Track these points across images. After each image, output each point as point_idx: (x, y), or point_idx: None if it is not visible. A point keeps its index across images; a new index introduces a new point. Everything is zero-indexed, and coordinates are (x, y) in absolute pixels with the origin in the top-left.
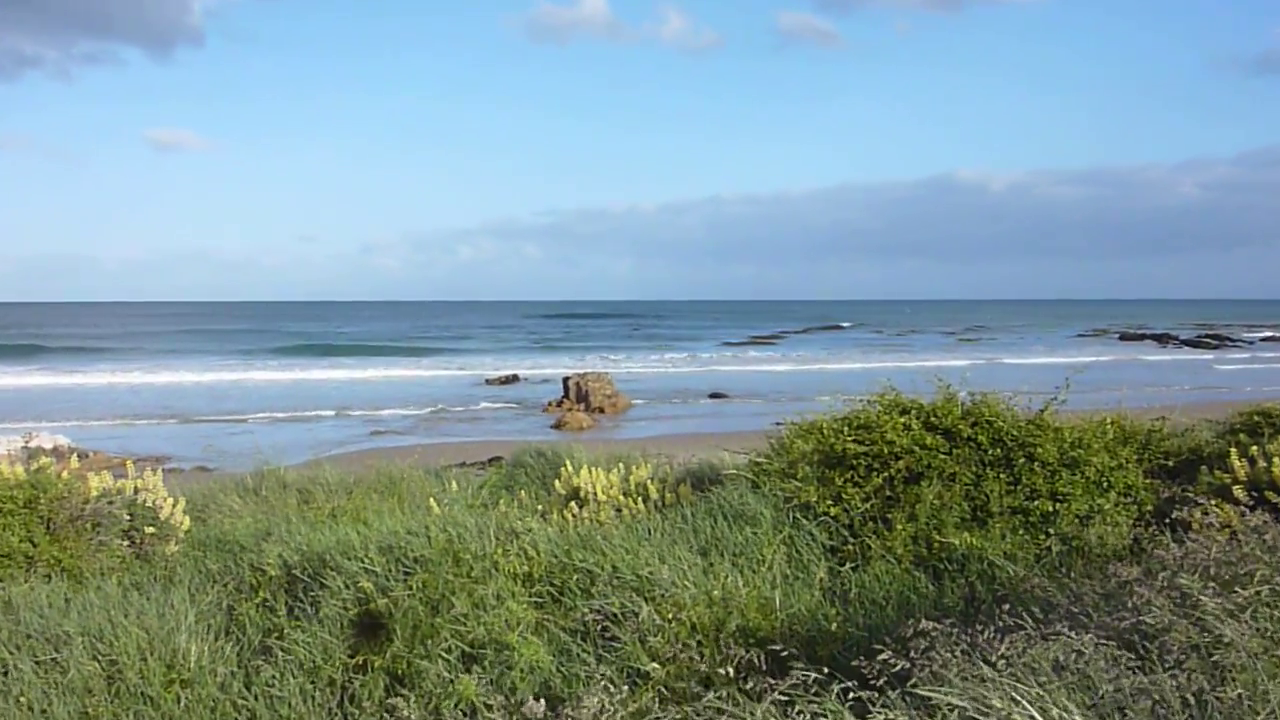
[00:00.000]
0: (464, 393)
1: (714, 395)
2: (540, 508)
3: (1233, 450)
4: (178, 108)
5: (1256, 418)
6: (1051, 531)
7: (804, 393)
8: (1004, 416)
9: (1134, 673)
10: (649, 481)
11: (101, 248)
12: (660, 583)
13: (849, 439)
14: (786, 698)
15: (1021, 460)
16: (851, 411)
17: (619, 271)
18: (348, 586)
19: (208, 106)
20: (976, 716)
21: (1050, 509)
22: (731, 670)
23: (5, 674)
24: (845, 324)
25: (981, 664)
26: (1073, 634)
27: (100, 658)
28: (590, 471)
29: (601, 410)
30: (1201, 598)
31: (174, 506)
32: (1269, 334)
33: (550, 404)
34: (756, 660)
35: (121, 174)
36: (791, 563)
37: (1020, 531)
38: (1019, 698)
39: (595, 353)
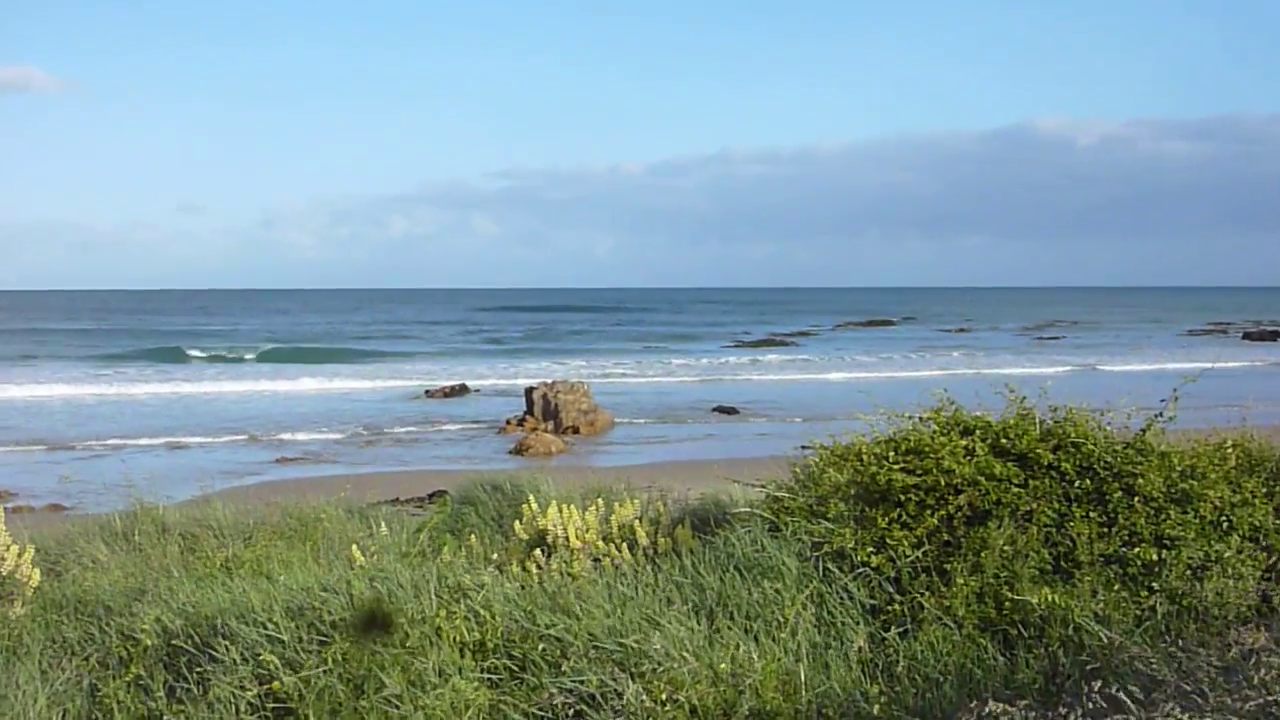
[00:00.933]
0: (397, 408)
1: (720, 410)
2: (496, 557)
3: None
4: (18, 35)
5: None
6: (1156, 587)
7: (837, 408)
8: (1095, 438)
9: None
10: (637, 523)
11: None
12: (651, 654)
13: (896, 467)
14: None
15: (1118, 494)
16: (899, 432)
17: (599, 251)
18: (245, 660)
19: (60, 37)
20: None
21: (1154, 557)
22: None
23: None
24: (891, 319)
25: None
26: (1184, 718)
27: None
28: (561, 510)
29: (575, 430)
30: None
31: (19, 556)
32: None
33: (509, 422)
34: None
35: None
36: (821, 627)
37: (1116, 586)
38: None
39: (568, 356)
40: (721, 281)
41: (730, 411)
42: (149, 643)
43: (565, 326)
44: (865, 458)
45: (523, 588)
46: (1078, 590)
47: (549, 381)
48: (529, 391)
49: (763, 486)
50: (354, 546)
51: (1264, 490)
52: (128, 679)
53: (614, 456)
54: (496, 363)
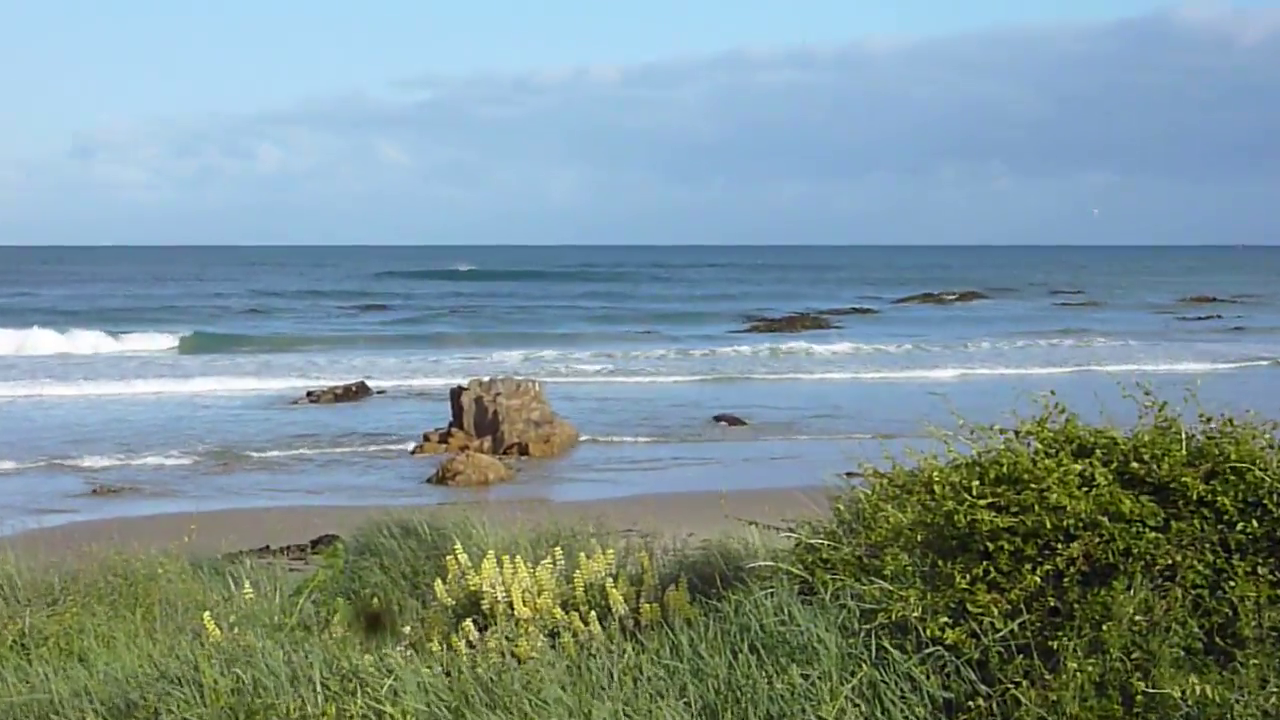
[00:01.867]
0: (266, 418)
1: (722, 419)
2: (409, 631)
3: None
4: None
5: None
6: None
7: (895, 418)
8: (1265, 461)
9: None
10: (610, 582)
11: None
12: None
13: (982, 503)
14: None
15: None
16: (986, 453)
17: (555, 193)
18: None
19: None
20: None
21: None
22: None
23: None
24: (976, 290)
25: None
26: None
27: None
28: (502, 564)
29: (523, 450)
30: None
31: None
32: None
33: (427, 438)
34: None
35: None
36: None
37: None
38: None
39: (512, 344)
40: (731, 237)
41: (736, 422)
42: None
43: (508, 301)
44: (938, 489)
45: (447, 674)
46: (1240, 679)
47: (485, 380)
48: (456, 394)
49: (791, 531)
50: (205, 615)
51: None
52: None
53: (578, 487)
54: (409, 353)
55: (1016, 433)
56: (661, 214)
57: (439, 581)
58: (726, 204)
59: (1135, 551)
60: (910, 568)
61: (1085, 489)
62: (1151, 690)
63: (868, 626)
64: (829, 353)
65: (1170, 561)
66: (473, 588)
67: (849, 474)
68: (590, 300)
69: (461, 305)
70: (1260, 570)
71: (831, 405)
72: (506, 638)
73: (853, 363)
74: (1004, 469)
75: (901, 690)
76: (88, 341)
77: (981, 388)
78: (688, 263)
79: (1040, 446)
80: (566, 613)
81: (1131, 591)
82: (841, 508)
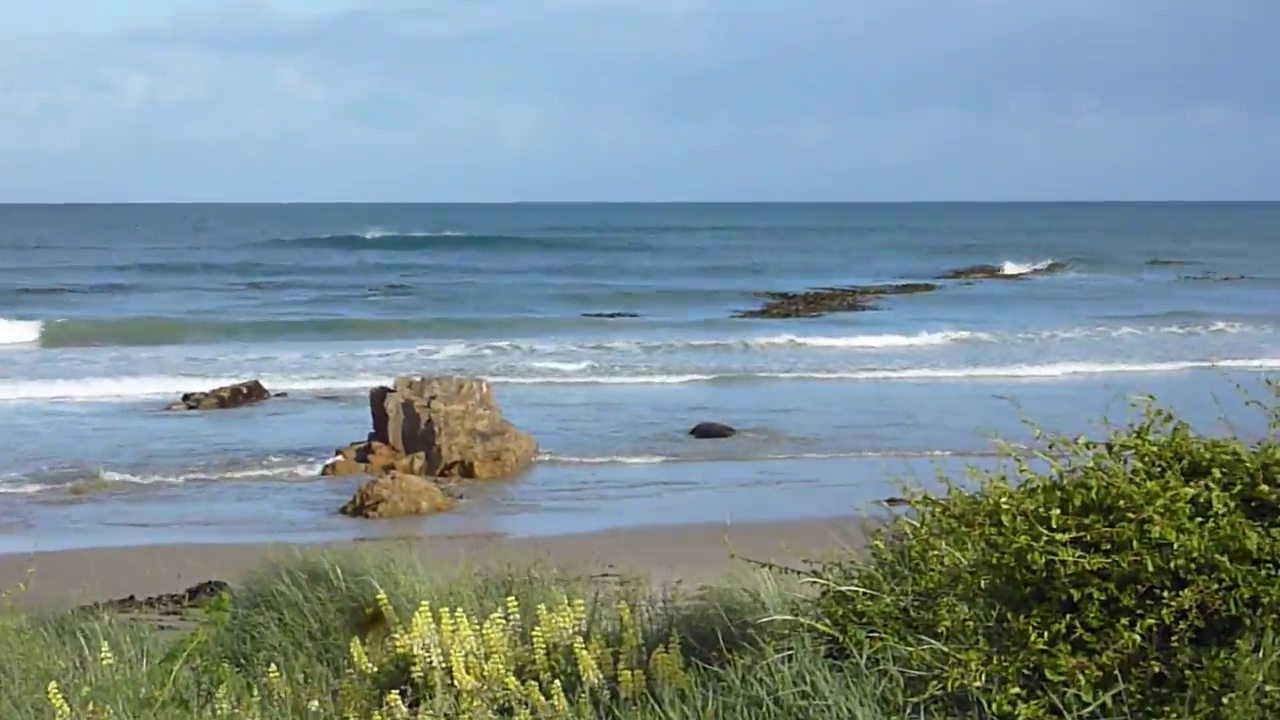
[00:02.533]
0: (130, 429)
1: (712, 432)
2: (318, 707)
3: None
4: None
5: None
6: None
7: (945, 427)
8: None
9: None
10: (578, 642)
11: None
12: None
13: (1064, 537)
14: None
15: None
16: (1069, 472)
17: (511, 133)
18: None
19: None
20: None
21: None
22: None
23: None
24: (1058, 262)
25: None
26: None
27: None
28: (440, 619)
29: (467, 469)
30: None
31: None
32: None
33: (342, 454)
34: None
35: None
36: None
37: None
38: None
39: (451, 333)
40: (738, 192)
41: (723, 433)
42: None
43: (448, 277)
44: (1008, 520)
45: None
46: None
47: (417, 379)
48: (378, 398)
49: (816, 575)
50: (51, 687)
51: None
52: None
53: (538, 519)
54: (317, 343)
55: (1109, 446)
56: (647, 163)
57: (356, 643)
58: (732, 150)
59: (1265, 601)
60: (971, 623)
61: (1199, 520)
62: None
63: (916, 699)
64: (864, 344)
65: None
66: (401, 650)
67: (890, 501)
68: (555, 276)
69: (386, 282)
70: None
71: (867, 413)
72: (445, 715)
73: (896, 358)
74: (1093, 494)
75: None
76: None
77: (1064, 389)
78: (682, 225)
79: (1140, 465)
80: (522, 682)
81: (1260, 653)
82: (881, 545)
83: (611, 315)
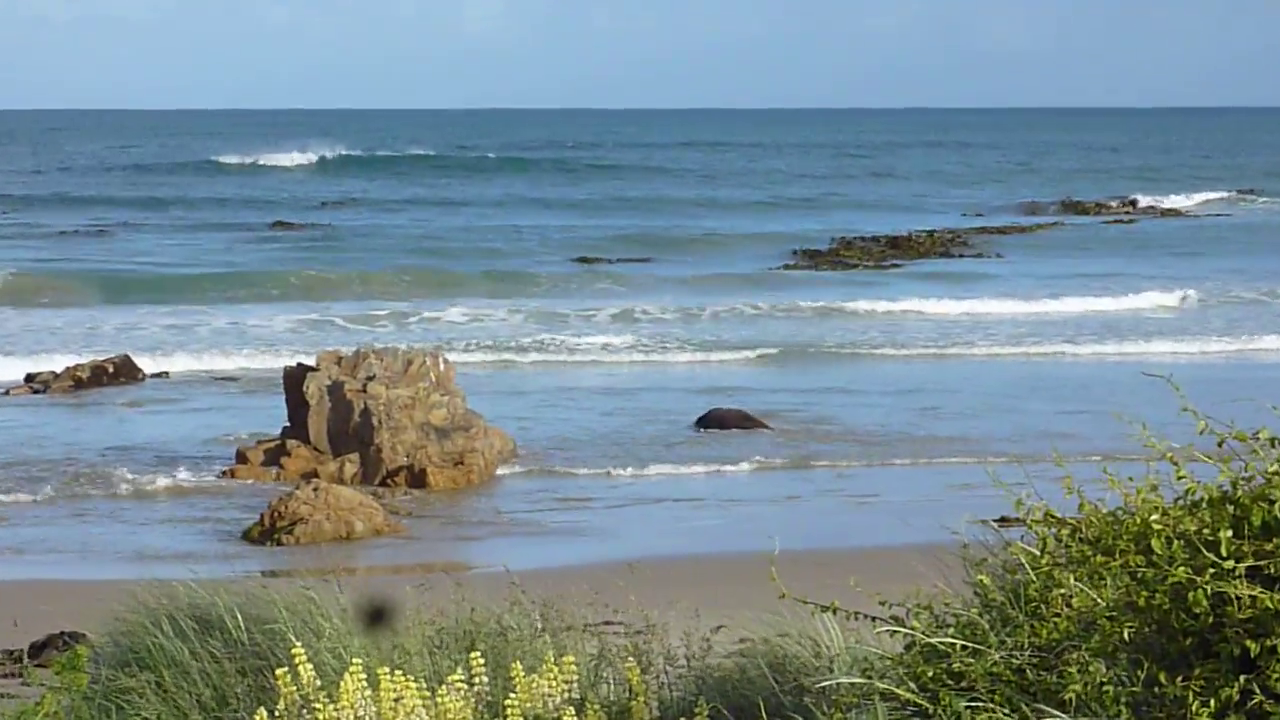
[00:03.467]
0: None
1: (721, 424)
2: None
3: None
4: None
5: None
6: None
7: (1066, 417)
8: None
9: None
10: (568, 713)
11: None
12: None
13: (1237, 567)
14: None
15: None
16: (1243, 480)
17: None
18: None
19: None
20: None
21: None
22: None
23: None
24: (1248, 190)
25: None
26: None
27: None
28: (379, 682)
29: (417, 478)
30: None
31: None
32: None
33: (245, 458)
34: None
35: None
36: None
37: None
38: None
39: (398, 293)
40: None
41: (743, 424)
42: None
43: (389, 215)
44: (1159, 545)
45: None
46: None
47: (348, 354)
48: (296, 379)
49: (897, 623)
50: None
51: None
52: None
53: (513, 545)
54: (208, 306)
55: None
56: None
57: (263, 715)
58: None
59: None
60: (1111, 687)
61: None
62: None
63: None
64: (949, 309)
65: None
66: None
67: (1000, 521)
68: (531, 212)
69: (305, 220)
70: None
71: (955, 402)
72: None
73: (995, 327)
74: (1277, 510)
75: None
76: None
77: (1233, 369)
78: (708, 140)
79: None
80: None
81: None
82: (987, 581)
83: (614, 262)
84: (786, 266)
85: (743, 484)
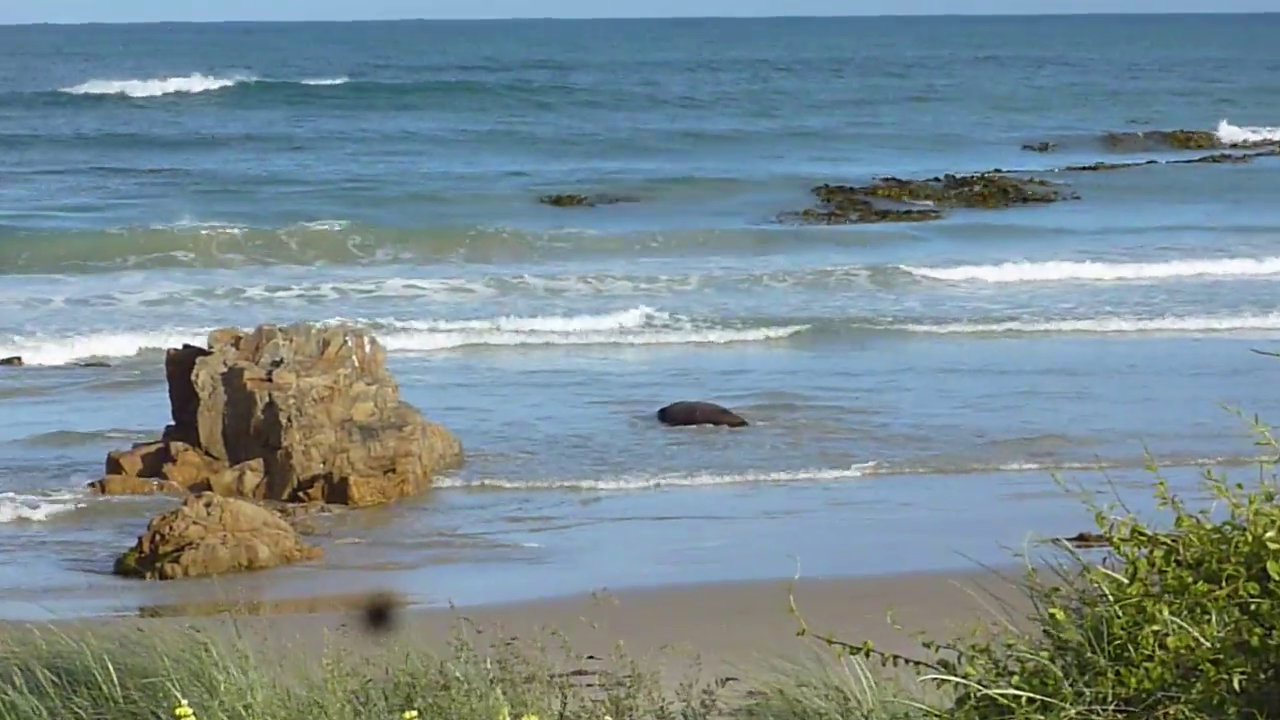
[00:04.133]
0: None
1: (686, 420)
2: None
3: None
4: None
5: None
6: None
7: (1157, 412)
8: None
9: None
10: None
11: None
12: None
13: None
14: None
15: None
16: None
17: None
18: None
19: None
20: None
21: None
22: None
23: None
24: None
25: None
26: None
27: None
28: None
29: (338, 491)
30: None
31: None
32: None
33: (118, 465)
34: None
35: None
36: None
37: None
38: None
39: (311, 251)
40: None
41: (733, 422)
42: None
43: (282, 162)
44: (1277, 566)
45: None
46: None
47: (247, 333)
48: (182, 365)
49: (945, 669)
50: None
51: None
52: None
53: (460, 573)
54: (67, 276)
55: None
56: None
57: None
58: None
59: None
60: None
61: None
62: None
63: None
64: (1010, 274)
65: None
66: None
67: (1077, 539)
68: (481, 152)
69: (189, 166)
70: None
71: (1016, 389)
72: None
73: (1067, 294)
74: None
75: None
76: None
77: None
78: (694, 60)
79: None
80: None
81: None
82: (1060, 615)
83: (592, 204)
84: (806, 215)
85: (752, 495)
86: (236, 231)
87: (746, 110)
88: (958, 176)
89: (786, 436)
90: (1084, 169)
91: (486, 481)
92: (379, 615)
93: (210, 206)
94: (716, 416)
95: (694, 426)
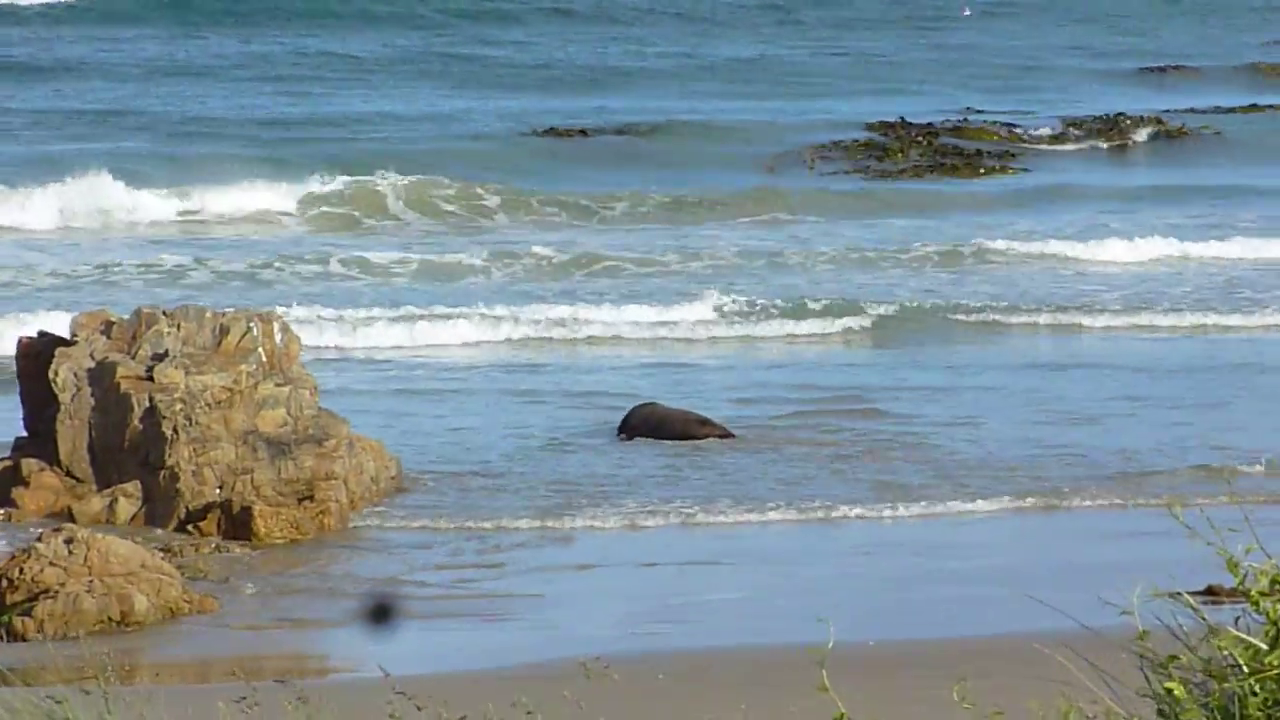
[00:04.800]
0: None
1: (643, 432)
2: None
3: None
4: None
5: None
6: None
7: None
8: None
9: None
10: None
11: None
12: None
13: None
14: None
15: None
16: None
17: None
18: None
19: None
20: None
21: None
22: None
23: None
24: None
25: None
26: None
27: None
28: None
29: (239, 524)
30: None
31: None
32: None
33: None
34: None
35: None
36: None
37: None
38: None
39: (198, 228)
40: None
41: (719, 435)
42: None
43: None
44: None
45: None
46: None
47: (121, 320)
48: (35, 359)
49: None
50: None
51: None
52: None
53: (404, 632)
54: None
55: None
56: None
57: None
58: None
59: None
60: None
61: None
62: None
63: None
64: (1119, 252)
65: None
66: None
67: (1204, 594)
68: (424, 89)
69: (52, 104)
70: None
71: (1119, 397)
72: None
73: (1193, 278)
74: None
75: None
76: None
77: None
78: None
79: None
80: None
81: None
82: (1179, 691)
83: (579, 135)
84: (853, 164)
85: (774, 534)
86: (108, 180)
87: (771, 31)
88: (1067, 118)
89: (818, 457)
90: (1230, 110)
91: (435, 515)
92: (381, 612)
93: (70, 146)
94: (693, 429)
95: (669, 442)
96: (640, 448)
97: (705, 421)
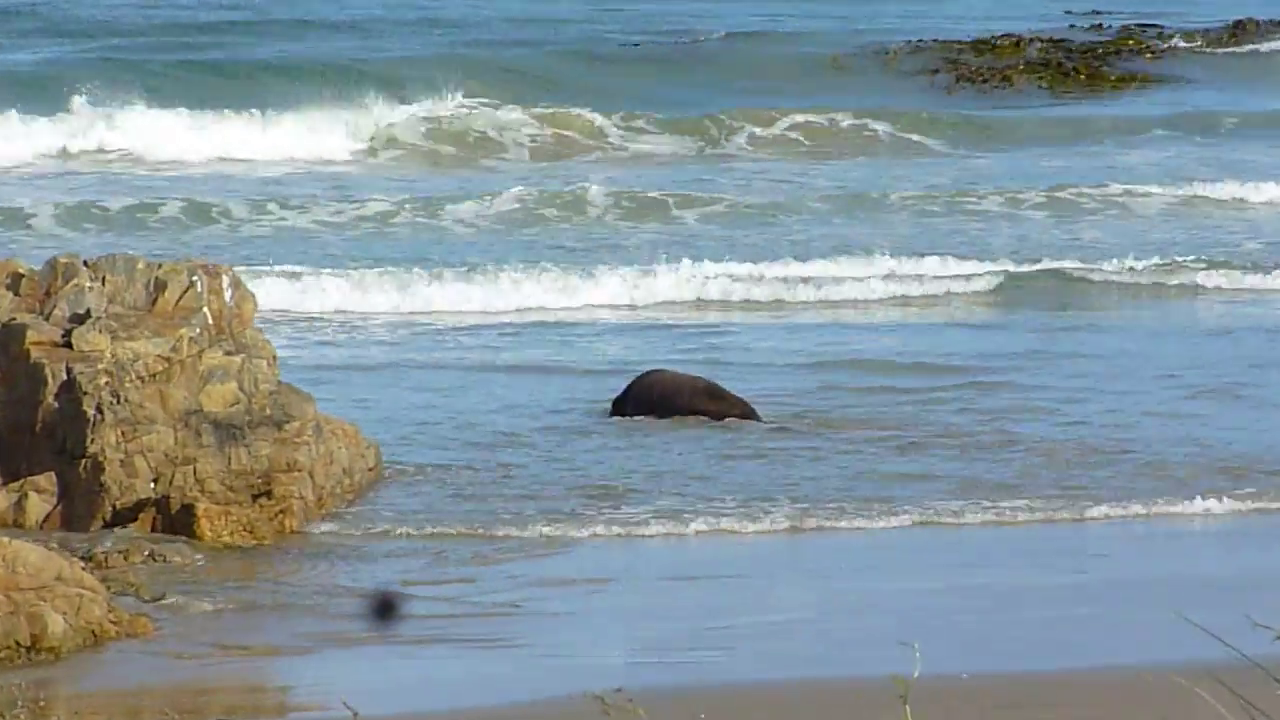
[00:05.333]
0: None
1: (644, 409)
2: None
3: None
4: None
5: None
6: None
7: None
8: None
9: None
10: None
11: None
12: None
13: None
14: None
15: None
16: None
17: None
18: None
19: None
20: None
21: None
22: None
23: None
24: None
25: None
26: None
27: None
28: None
29: (178, 522)
30: None
31: None
32: None
33: None
34: None
35: None
36: None
37: None
38: None
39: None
40: None
41: (740, 414)
42: None
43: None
44: None
45: None
46: None
47: (33, 269)
48: None
49: None
50: None
51: None
52: None
53: (363, 659)
54: None
55: None
56: None
57: None
58: None
59: None
60: None
61: None
62: None
63: None
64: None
65: None
66: None
67: None
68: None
69: None
70: None
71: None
72: None
73: None
74: None
75: None
76: None
77: None
78: None
79: None
80: None
81: None
82: None
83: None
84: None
85: (830, 543)
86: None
87: None
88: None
89: (888, 445)
90: None
91: (420, 516)
92: (386, 607)
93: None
94: (706, 405)
95: (682, 418)
96: (674, 433)
97: (720, 396)
